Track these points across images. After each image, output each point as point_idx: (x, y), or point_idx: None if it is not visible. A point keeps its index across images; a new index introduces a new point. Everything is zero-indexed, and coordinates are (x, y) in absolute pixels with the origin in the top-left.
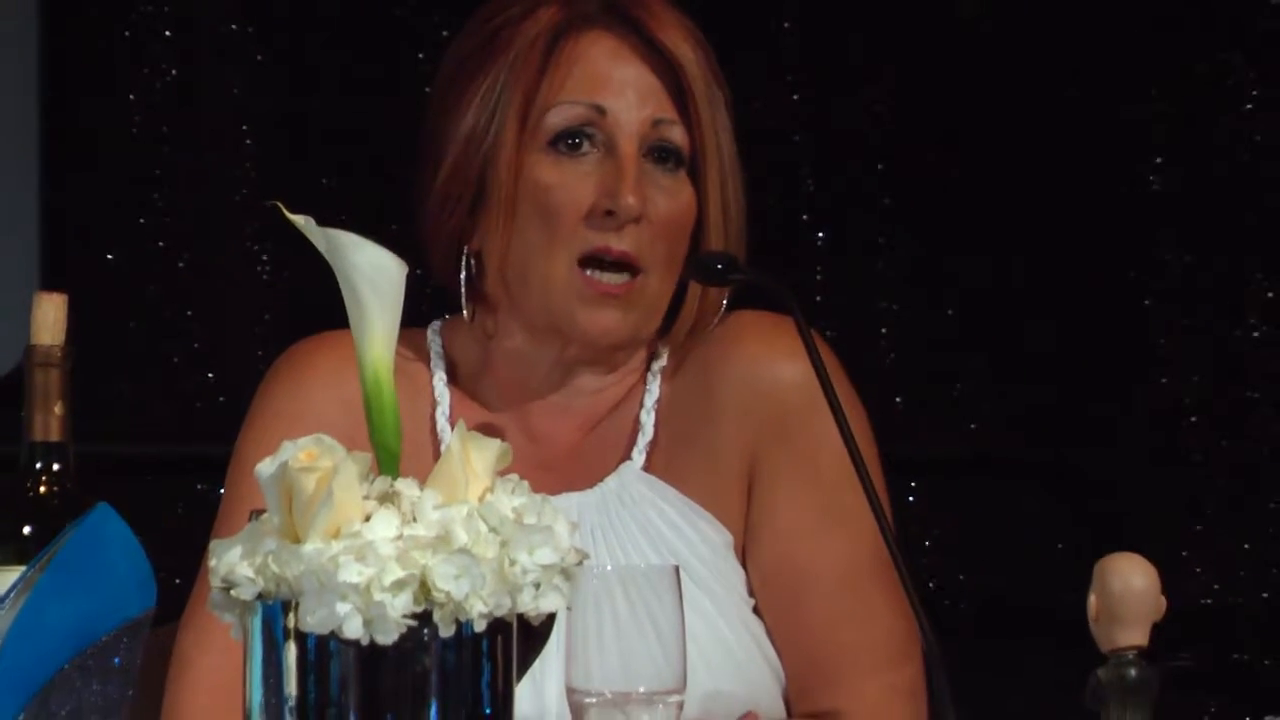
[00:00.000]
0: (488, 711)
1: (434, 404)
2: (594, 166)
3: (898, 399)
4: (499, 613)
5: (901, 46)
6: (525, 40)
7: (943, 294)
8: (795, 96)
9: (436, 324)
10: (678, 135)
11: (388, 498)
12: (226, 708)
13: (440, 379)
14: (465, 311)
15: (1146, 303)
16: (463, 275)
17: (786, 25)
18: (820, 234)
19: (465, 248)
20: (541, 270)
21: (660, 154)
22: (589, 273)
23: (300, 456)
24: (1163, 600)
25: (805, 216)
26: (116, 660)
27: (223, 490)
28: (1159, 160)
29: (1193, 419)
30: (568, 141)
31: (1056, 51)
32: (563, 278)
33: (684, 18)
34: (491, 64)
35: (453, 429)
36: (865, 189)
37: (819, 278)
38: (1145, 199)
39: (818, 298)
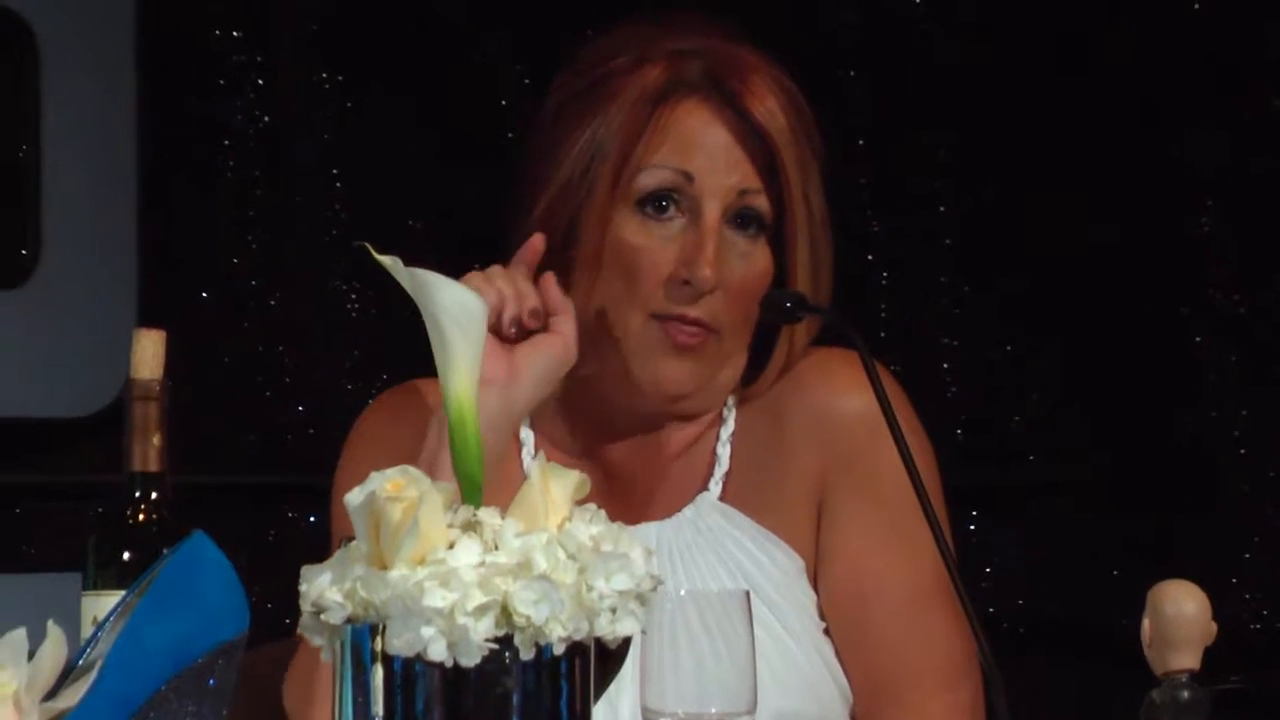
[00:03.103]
0: None
1: (519, 443)
2: (678, 231)
3: (958, 431)
4: (577, 636)
5: (962, 91)
6: (628, 99)
7: (1001, 330)
8: (860, 141)
9: None
10: (761, 203)
11: (470, 526)
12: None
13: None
14: None
15: (1197, 339)
16: None
17: (852, 73)
18: (885, 274)
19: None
20: (618, 321)
21: (741, 220)
22: (664, 321)
23: (387, 487)
24: (1214, 625)
25: (870, 257)
26: (211, 681)
27: (311, 519)
28: (1209, 202)
29: (1242, 451)
30: (656, 203)
31: (1111, 95)
32: (637, 330)
33: (781, 79)
34: (593, 116)
35: None
36: (927, 231)
37: (883, 315)
38: (1196, 239)
39: (882, 334)
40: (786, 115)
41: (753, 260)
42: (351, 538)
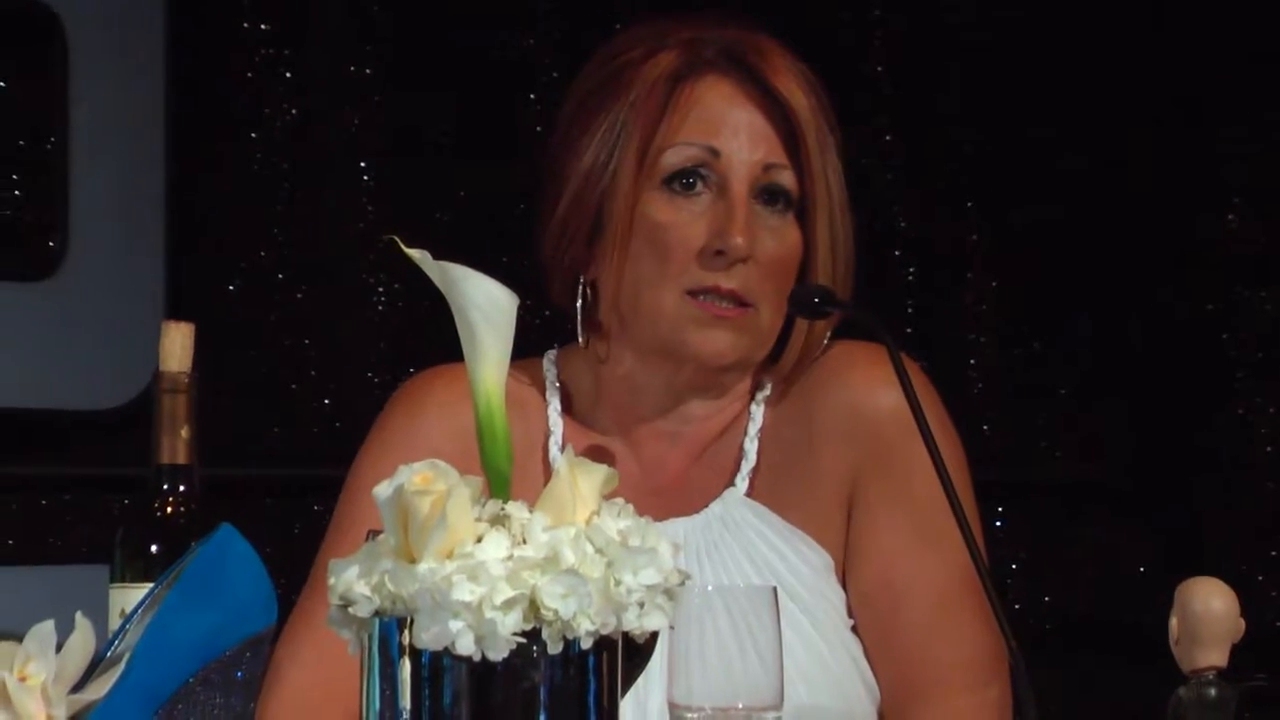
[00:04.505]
0: None
1: (547, 433)
2: (706, 206)
3: (985, 427)
4: (605, 631)
5: (990, 89)
6: (646, 82)
7: (1027, 327)
8: (887, 137)
9: (552, 353)
10: (787, 179)
11: (498, 520)
12: (311, 719)
13: (554, 408)
14: (580, 338)
15: (1225, 336)
16: (579, 303)
17: (880, 69)
18: (911, 269)
19: (581, 276)
20: (652, 301)
21: (769, 196)
22: (700, 298)
23: (415, 480)
24: (1241, 622)
25: (897, 252)
26: (239, 674)
27: (335, 511)
28: (1236, 200)
29: (1268, 448)
30: (682, 181)
31: (1140, 93)
32: (672, 308)
33: (798, 63)
34: (613, 103)
35: None
36: (953, 226)
37: (910, 310)
38: (1224, 237)
39: (909, 329)
40: (806, 94)
41: (783, 235)
42: (378, 532)
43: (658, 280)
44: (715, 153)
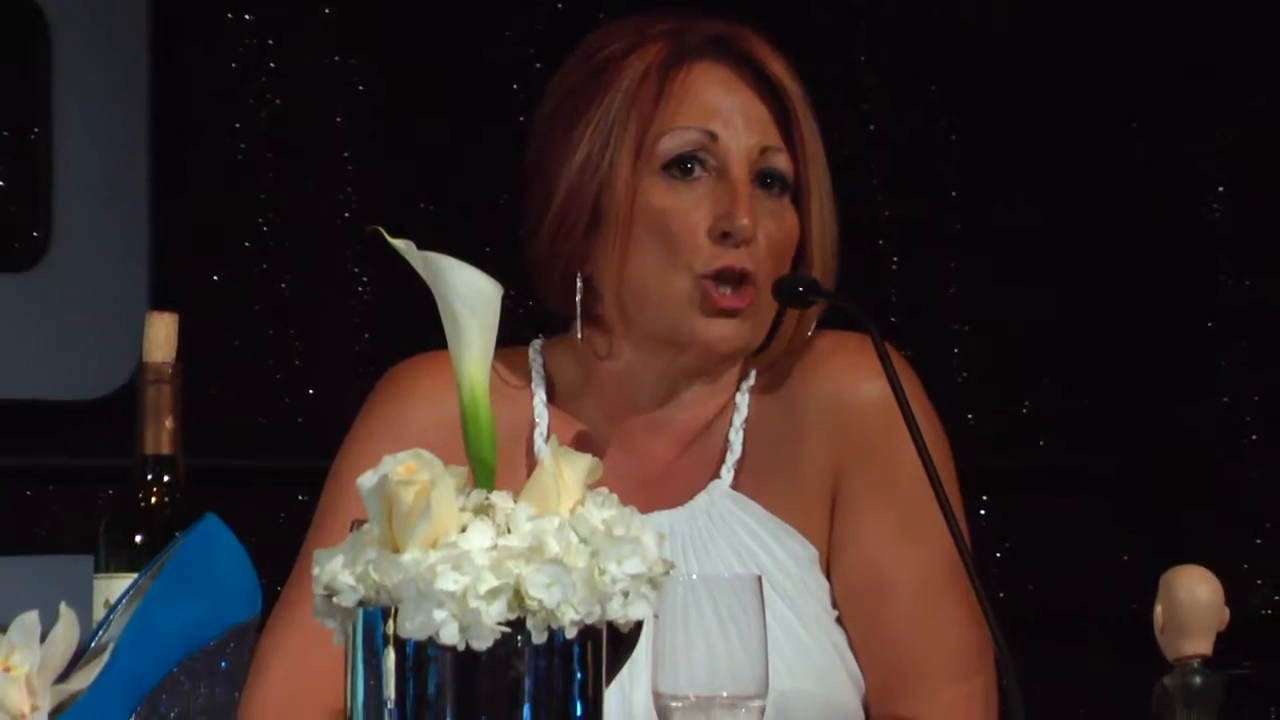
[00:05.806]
0: (578, 714)
1: (532, 423)
2: (706, 191)
3: (969, 415)
4: (589, 620)
5: (974, 80)
6: (636, 72)
7: (1011, 316)
8: (871, 126)
9: (538, 342)
10: (783, 162)
11: (483, 510)
12: (296, 709)
13: (540, 399)
14: (580, 334)
15: (1208, 325)
16: (578, 299)
17: (863, 58)
18: (895, 259)
19: (579, 273)
20: (660, 287)
21: (767, 179)
22: (709, 283)
23: (400, 470)
24: (1226, 611)
25: (881, 242)
26: (223, 664)
27: (320, 500)
28: (1220, 189)
29: (1253, 436)
30: (681, 166)
31: (1122, 82)
32: (683, 291)
33: (780, 51)
34: (602, 95)
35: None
36: (938, 216)
37: (894, 300)
38: (1206, 225)
39: (893, 319)
40: (794, 80)
41: (783, 219)
42: (363, 521)
43: (666, 266)
44: (713, 136)
